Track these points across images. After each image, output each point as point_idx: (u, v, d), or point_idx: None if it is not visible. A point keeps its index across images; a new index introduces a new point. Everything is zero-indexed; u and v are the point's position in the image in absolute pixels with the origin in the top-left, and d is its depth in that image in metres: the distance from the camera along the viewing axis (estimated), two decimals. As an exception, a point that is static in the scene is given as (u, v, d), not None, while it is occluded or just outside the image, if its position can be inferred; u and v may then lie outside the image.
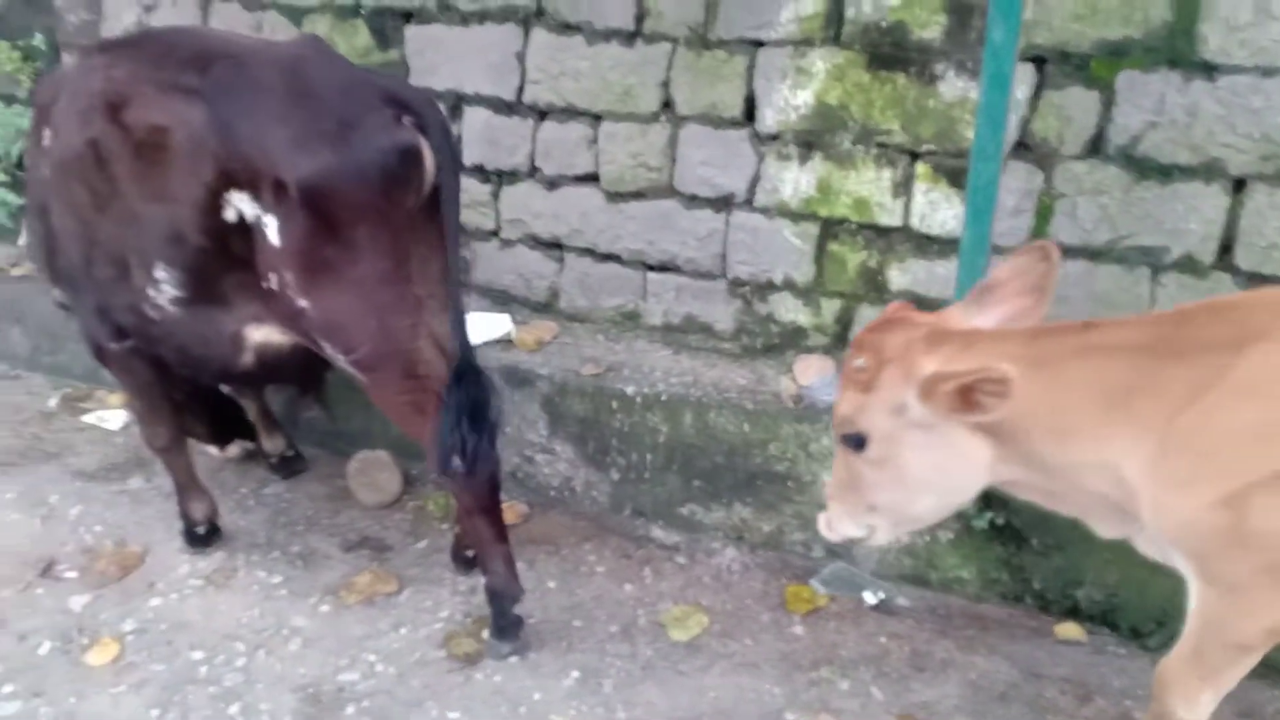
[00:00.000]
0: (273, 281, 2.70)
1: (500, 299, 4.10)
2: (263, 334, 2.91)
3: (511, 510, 3.69)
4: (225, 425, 3.86)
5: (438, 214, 2.81)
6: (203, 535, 3.49)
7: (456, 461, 2.80)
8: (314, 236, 2.61)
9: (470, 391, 2.84)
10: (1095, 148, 3.08)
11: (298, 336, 2.85)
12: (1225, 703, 2.15)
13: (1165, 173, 3.00)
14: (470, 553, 3.38)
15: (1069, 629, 3.09)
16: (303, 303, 2.70)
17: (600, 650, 3.07)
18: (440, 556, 3.47)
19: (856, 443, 2.23)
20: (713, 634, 3.14)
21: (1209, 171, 2.96)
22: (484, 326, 3.90)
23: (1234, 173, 2.95)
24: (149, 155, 2.71)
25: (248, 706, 2.85)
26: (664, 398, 3.49)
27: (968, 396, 1.99)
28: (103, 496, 3.79)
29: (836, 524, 2.40)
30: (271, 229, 2.63)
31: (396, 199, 2.66)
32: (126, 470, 3.94)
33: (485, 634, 3.11)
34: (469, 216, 4.06)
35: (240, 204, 2.65)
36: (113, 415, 4.30)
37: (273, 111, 2.60)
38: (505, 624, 3.03)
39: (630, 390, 3.54)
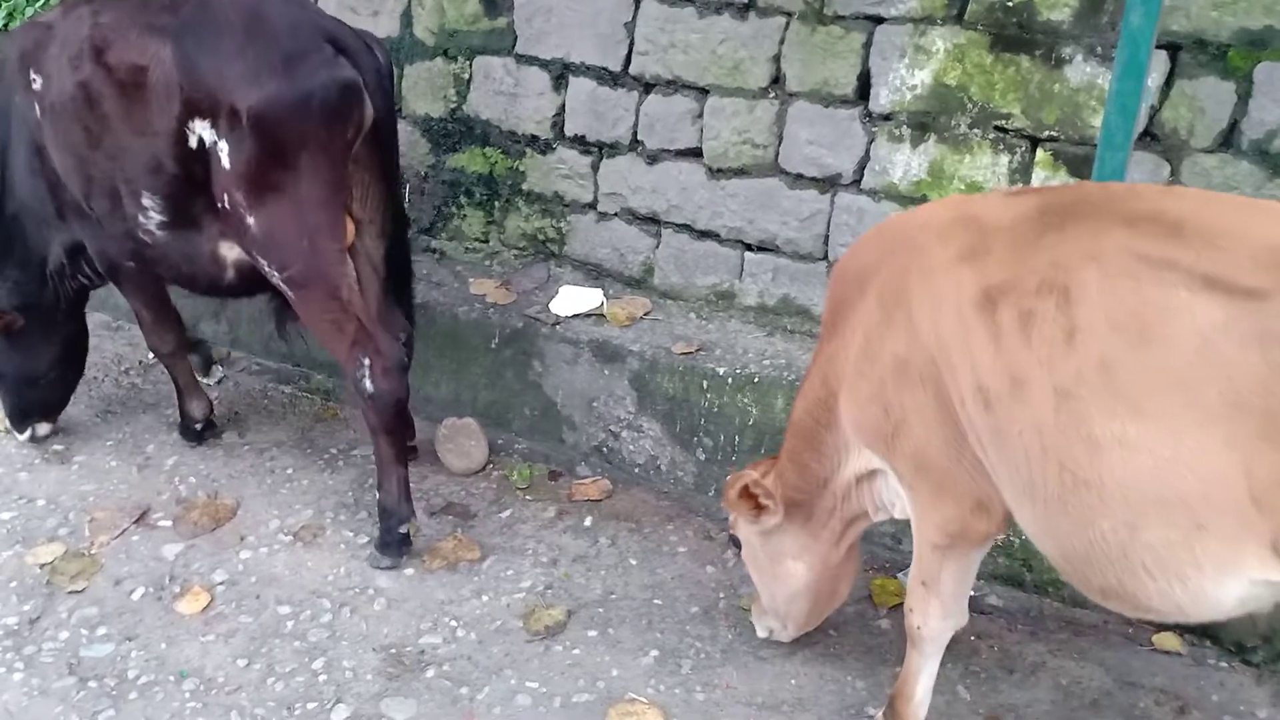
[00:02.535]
0: (225, 201, 3.00)
1: (594, 273, 4.07)
2: (236, 252, 3.17)
3: (595, 486, 3.67)
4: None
5: (380, 149, 3.16)
6: (198, 431, 3.86)
7: (367, 384, 3.12)
8: (260, 159, 2.91)
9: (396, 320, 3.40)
10: (1227, 141, 2.93)
11: (244, 252, 3.12)
12: None
13: (1302, 170, 2.85)
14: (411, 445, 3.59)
15: (1167, 639, 2.96)
16: (249, 220, 2.99)
17: (680, 631, 3.04)
18: (523, 527, 3.47)
19: (736, 545, 2.82)
20: (796, 622, 3.08)
21: (1351, 170, 2.80)
22: (576, 299, 3.88)
23: (1379, 173, 2.78)
24: (131, 93, 3.00)
25: (331, 663, 2.88)
26: (756, 379, 3.43)
27: (753, 502, 2.60)
28: (198, 448, 3.86)
29: (755, 623, 2.93)
30: (224, 154, 2.93)
31: (335, 130, 2.97)
32: (221, 424, 4.00)
33: (565, 610, 3.11)
34: (568, 188, 4.03)
35: (201, 131, 2.94)
36: (210, 369, 4.38)
37: (230, 47, 2.91)
38: (390, 540, 3.28)
39: (722, 370, 3.48)
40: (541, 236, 4.16)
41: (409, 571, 3.26)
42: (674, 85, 3.70)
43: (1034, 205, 2.07)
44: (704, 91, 3.65)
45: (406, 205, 4.27)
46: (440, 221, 4.36)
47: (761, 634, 2.92)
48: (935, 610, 2.42)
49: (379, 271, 3.41)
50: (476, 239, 4.30)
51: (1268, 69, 2.82)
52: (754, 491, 2.59)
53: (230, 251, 3.18)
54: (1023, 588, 3.16)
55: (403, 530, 3.26)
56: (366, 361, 3.12)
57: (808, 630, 2.89)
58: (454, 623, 3.06)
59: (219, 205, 3.03)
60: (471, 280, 4.18)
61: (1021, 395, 1.92)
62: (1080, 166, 3.09)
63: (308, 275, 3.06)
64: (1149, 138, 3.01)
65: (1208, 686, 2.82)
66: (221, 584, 3.18)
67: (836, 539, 2.64)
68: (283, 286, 3.10)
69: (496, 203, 4.22)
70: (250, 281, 3.25)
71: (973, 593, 3.12)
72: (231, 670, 2.85)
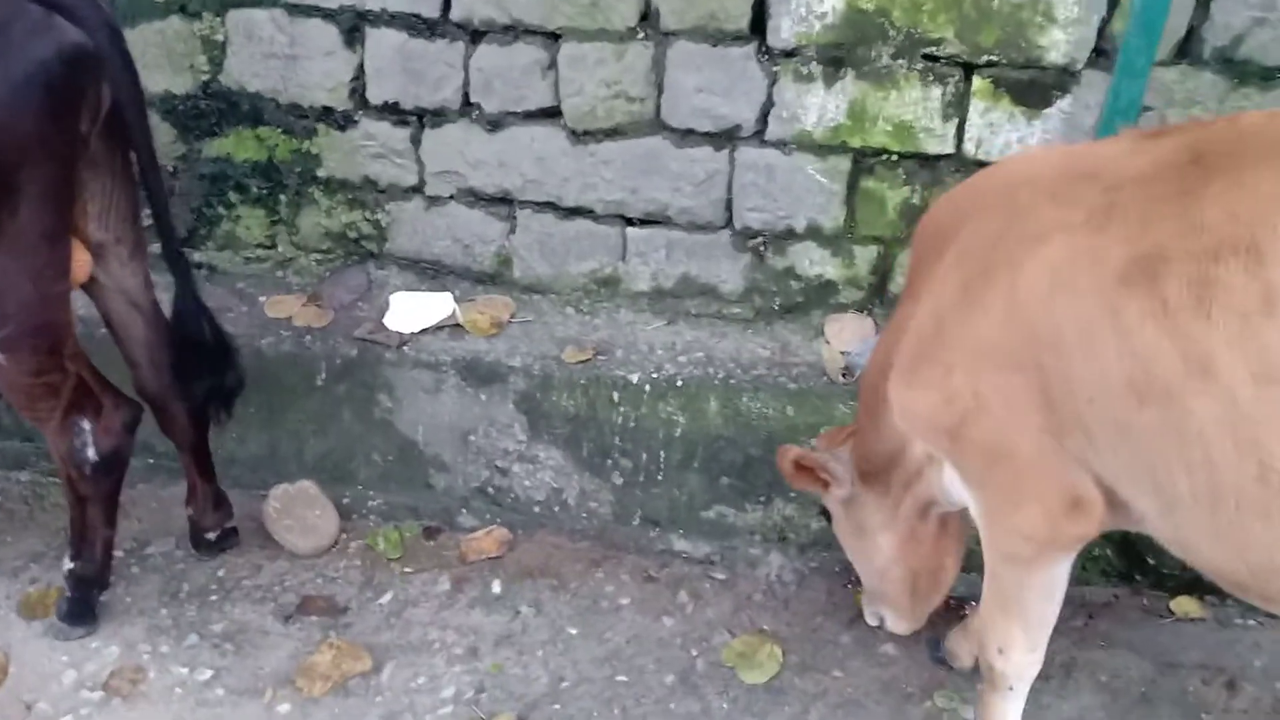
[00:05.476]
0: None
1: (431, 272, 3.28)
2: None
3: (490, 538, 2.95)
4: None
5: (117, 137, 2.36)
6: None
7: (89, 451, 2.51)
8: None
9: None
10: (1184, 51, 2.64)
11: None
12: None
13: (1267, 76, 2.61)
14: (212, 535, 2.90)
15: (1186, 603, 2.73)
16: None
17: (664, 713, 2.45)
18: (416, 611, 2.73)
19: (826, 517, 2.50)
20: (791, 668, 2.58)
21: (1321, 73, 2.59)
22: (418, 309, 3.12)
23: (1348, 74, 2.59)
24: None
25: None
26: (679, 382, 2.85)
27: (811, 475, 2.30)
28: (-77, 588, 2.77)
29: (864, 610, 2.62)
30: None
31: (64, 123, 2.21)
32: (-56, 543, 2.90)
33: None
34: (382, 170, 3.21)
35: None
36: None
37: None
38: (85, 611, 2.70)
39: (635, 377, 2.86)
40: (353, 234, 3.30)
41: (283, 708, 2.45)
42: (513, 31, 2.96)
43: (1180, 148, 1.68)
44: (554, 37, 2.94)
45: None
46: (203, 228, 3.38)
47: (871, 622, 2.60)
48: (1020, 641, 2.04)
49: (141, 307, 2.62)
50: (259, 245, 3.37)
51: (1229, -33, 2.54)
52: (806, 465, 2.28)
53: None
54: (1022, 575, 2.82)
55: (103, 599, 2.71)
56: (87, 425, 2.51)
57: (920, 617, 2.46)
58: (373, 768, 2.30)
59: None
60: (264, 299, 3.27)
61: (1204, 384, 1.57)
62: (1025, 94, 2.71)
63: (28, 331, 2.33)
64: (1098, 54, 2.67)
65: (1244, 652, 2.60)
66: (17, 787, 2.24)
67: (920, 510, 2.27)
68: None
69: (283, 196, 3.30)
70: None
71: (964, 590, 2.77)
72: None
